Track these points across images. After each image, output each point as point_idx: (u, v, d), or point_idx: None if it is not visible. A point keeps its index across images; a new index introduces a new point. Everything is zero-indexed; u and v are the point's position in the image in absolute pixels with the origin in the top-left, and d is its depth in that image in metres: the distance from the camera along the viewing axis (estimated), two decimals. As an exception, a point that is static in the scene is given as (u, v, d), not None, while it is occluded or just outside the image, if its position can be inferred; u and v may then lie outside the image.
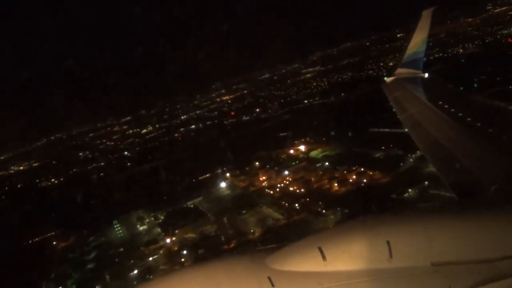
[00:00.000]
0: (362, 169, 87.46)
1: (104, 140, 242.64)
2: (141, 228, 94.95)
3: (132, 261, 79.64)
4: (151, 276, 61.28)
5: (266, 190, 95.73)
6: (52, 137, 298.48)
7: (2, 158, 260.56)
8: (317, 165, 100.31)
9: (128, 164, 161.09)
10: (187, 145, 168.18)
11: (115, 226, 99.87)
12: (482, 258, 6.78)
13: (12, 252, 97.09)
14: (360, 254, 6.50)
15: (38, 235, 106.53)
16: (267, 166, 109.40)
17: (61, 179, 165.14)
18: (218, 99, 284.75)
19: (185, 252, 76.64)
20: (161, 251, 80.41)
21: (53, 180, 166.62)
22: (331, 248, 6.51)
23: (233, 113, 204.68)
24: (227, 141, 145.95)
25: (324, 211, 75.58)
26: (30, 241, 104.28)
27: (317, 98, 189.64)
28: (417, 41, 24.25)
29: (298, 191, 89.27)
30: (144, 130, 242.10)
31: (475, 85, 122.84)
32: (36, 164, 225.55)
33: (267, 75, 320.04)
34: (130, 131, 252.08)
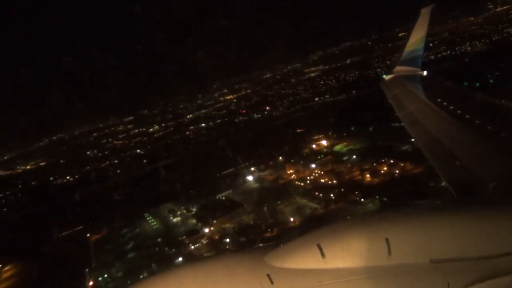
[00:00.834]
0: (392, 161, 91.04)
1: (110, 140, 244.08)
2: (175, 220, 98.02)
3: (174, 249, 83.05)
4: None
5: (296, 182, 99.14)
6: (54, 137, 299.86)
7: (5, 158, 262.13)
8: (344, 158, 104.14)
9: (145, 161, 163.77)
10: (202, 142, 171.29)
11: (148, 218, 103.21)
12: (481, 255, 6.86)
13: (48, 244, 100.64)
14: (359, 251, 6.61)
15: (67, 229, 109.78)
16: (292, 160, 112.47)
17: (77, 176, 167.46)
18: (221, 99, 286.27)
19: (227, 240, 79.93)
20: (203, 240, 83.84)
21: (68, 177, 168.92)
22: (330, 245, 6.64)
23: (244, 111, 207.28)
24: (243, 138, 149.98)
25: (362, 199, 79.07)
26: (61, 234, 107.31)
27: (328, 96, 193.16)
28: (416, 39, 24.61)
29: (330, 182, 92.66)
30: (151, 129, 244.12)
31: (490, 80, 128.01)
32: (44, 163, 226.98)
33: (268, 75, 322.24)
34: (136, 130, 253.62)
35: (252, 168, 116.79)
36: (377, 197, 77.50)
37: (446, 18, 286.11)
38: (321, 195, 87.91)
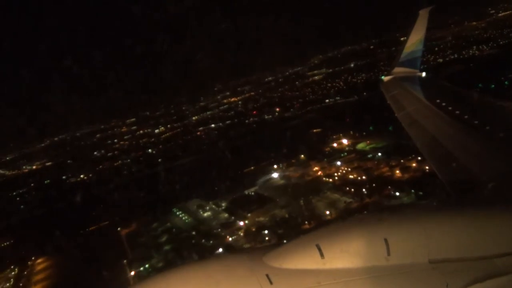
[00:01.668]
0: (419, 158, 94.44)
1: (116, 140, 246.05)
2: (205, 214, 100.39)
3: (211, 241, 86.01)
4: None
5: (324, 178, 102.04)
6: (56, 138, 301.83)
7: (7, 158, 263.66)
8: (368, 156, 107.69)
9: (159, 160, 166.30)
10: (216, 142, 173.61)
11: (177, 213, 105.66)
12: (479, 255, 6.96)
13: (78, 238, 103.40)
14: (358, 251, 6.73)
15: (93, 224, 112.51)
16: (315, 158, 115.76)
17: (91, 175, 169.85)
18: (225, 101, 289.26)
19: (266, 231, 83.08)
20: (240, 232, 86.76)
21: (83, 176, 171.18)
22: (329, 246, 6.76)
23: (255, 112, 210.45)
24: (259, 137, 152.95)
25: (397, 193, 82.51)
26: (89, 229, 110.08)
27: (338, 98, 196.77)
28: (414, 41, 25.10)
29: (359, 178, 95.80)
30: (157, 130, 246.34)
31: (506, 82, 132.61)
32: (50, 163, 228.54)
33: (270, 78, 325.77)
34: (141, 132, 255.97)
35: (274, 166, 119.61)
36: (412, 191, 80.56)
37: (448, 23, 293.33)
38: (352, 190, 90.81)
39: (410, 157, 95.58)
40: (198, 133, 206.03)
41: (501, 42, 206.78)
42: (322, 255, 6.68)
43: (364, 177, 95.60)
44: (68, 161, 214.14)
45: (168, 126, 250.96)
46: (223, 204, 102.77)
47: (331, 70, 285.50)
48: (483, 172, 12.60)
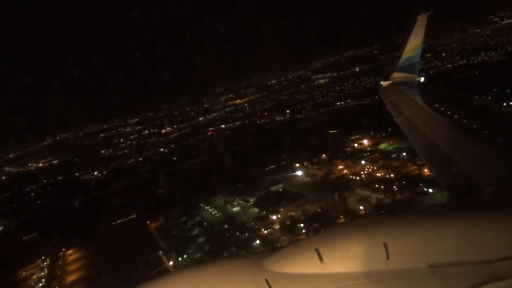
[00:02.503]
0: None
1: (122, 140, 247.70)
2: (234, 209, 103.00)
3: (247, 234, 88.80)
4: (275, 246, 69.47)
5: (351, 176, 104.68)
6: (57, 137, 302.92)
7: (10, 156, 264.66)
8: (392, 155, 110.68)
9: (174, 158, 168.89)
10: (229, 142, 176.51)
11: (205, 207, 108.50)
12: (479, 259, 7.06)
13: (107, 231, 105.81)
14: (357, 256, 6.83)
15: (119, 218, 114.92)
16: (337, 157, 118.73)
17: (104, 172, 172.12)
18: (230, 103, 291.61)
19: (301, 225, 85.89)
20: (275, 226, 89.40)
21: (96, 173, 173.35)
22: (328, 250, 6.87)
23: (266, 114, 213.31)
24: (274, 137, 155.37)
25: (430, 190, 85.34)
26: (116, 223, 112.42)
27: (349, 100, 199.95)
28: (413, 46, 25.36)
29: (387, 176, 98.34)
30: (164, 131, 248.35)
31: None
32: (56, 161, 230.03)
33: (273, 81, 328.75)
34: (147, 131, 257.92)
35: (296, 164, 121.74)
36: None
37: (452, 30, 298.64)
38: (382, 187, 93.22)
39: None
40: (210, 133, 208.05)
41: (510, 49, 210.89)
42: (321, 259, 6.77)
43: (392, 175, 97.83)
44: (76, 159, 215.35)
45: (175, 126, 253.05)
46: (251, 200, 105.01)
47: (335, 74, 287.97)
48: (482, 176, 12.64)
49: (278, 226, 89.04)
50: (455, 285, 6.81)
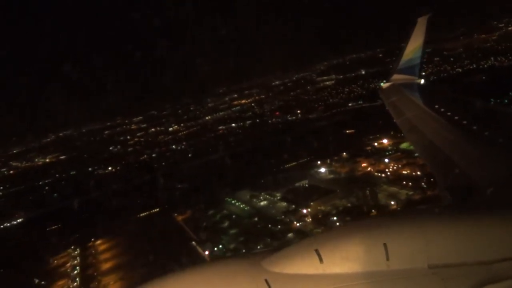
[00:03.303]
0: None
1: (128, 137, 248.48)
2: (262, 204, 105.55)
3: (279, 226, 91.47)
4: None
5: (376, 173, 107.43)
6: (61, 134, 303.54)
7: (14, 151, 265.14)
8: (415, 154, 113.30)
9: (189, 155, 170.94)
10: (241, 140, 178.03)
11: (232, 201, 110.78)
12: (479, 260, 7.12)
13: (133, 223, 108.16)
14: (357, 256, 6.93)
15: (144, 210, 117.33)
16: (359, 156, 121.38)
17: (118, 167, 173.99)
18: (235, 102, 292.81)
19: (334, 218, 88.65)
20: (306, 219, 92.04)
21: (110, 168, 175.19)
22: (328, 251, 7.00)
23: (277, 113, 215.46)
24: (289, 136, 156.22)
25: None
26: (141, 215, 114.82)
27: (361, 102, 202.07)
28: (413, 48, 25.63)
29: (414, 174, 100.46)
30: (171, 129, 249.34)
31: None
32: (64, 157, 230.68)
33: (277, 82, 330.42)
34: (153, 129, 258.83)
35: (318, 162, 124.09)
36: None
37: (457, 35, 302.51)
38: (410, 183, 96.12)
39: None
40: (220, 131, 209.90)
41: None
42: (321, 260, 6.85)
43: (418, 173, 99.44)
44: (84, 155, 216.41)
45: (181, 125, 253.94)
46: (277, 195, 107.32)
47: (341, 76, 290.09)
48: (482, 177, 12.73)
49: (310, 219, 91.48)
50: (455, 286, 6.90)
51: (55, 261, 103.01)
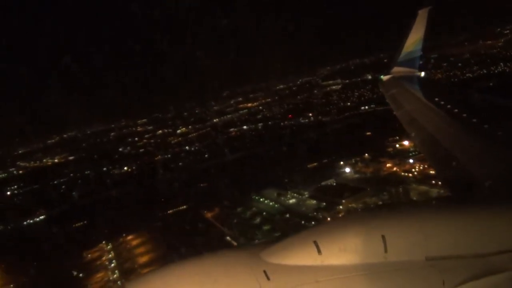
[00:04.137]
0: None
1: (136, 138, 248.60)
2: (290, 201, 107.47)
3: (313, 222, 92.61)
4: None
5: (403, 173, 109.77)
6: (64, 135, 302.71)
7: (20, 152, 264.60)
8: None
9: (206, 155, 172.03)
10: (257, 141, 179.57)
11: (260, 199, 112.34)
12: (476, 252, 7.30)
13: (162, 220, 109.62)
14: (356, 248, 7.08)
15: (170, 208, 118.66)
16: (382, 156, 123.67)
17: (134, 167, 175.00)
18: (241, 106, 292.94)
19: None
20: (339, 216, 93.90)
21: (126, 168, 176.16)
22: (326, 242, 7.12)
23: (290, 116, 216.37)
24: (304, 138, 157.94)
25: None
26: (169, 212, 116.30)
27: (373, 105, 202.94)
28: (413, 40, 26.05)
29: None
30: (179, 131, 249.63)
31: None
32: (72, 157, 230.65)
33: (282, 86, 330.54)
34: (160, 131, 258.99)
35: (341, 162, 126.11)
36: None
37: (461, 41, 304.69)
38: (439, 182, 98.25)
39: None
40: (233, 133, 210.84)
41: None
42: (319, 251, 6.96)
43: None
44: (94, 156, 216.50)
45: (189, 127, 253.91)
46: (305, 193, 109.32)
47: (347, 80, 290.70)
48: (481, 170, 12.94)
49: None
50: (452, 278, 7.02)
51: (89, 255, 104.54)
